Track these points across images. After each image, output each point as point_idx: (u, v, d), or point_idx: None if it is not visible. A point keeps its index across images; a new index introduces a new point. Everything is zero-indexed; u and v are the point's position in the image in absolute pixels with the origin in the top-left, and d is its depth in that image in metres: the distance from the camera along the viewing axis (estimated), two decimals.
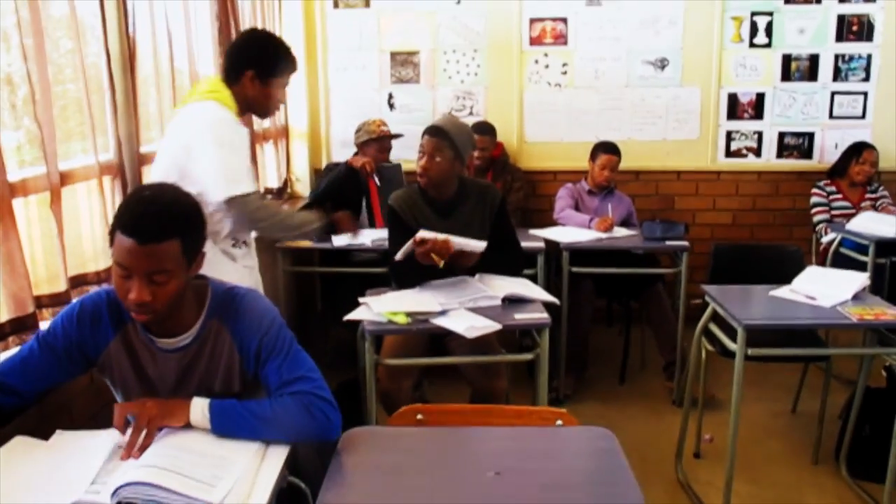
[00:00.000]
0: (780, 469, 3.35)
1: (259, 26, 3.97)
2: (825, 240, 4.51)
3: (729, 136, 5.09)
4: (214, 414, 1.67)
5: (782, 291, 3.00)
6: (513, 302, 2.84)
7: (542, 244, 3.97)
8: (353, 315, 2.72)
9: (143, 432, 1.62)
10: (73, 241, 2.33)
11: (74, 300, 1.84)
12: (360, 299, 2.86)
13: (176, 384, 1.79)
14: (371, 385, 2.69)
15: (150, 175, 2.61)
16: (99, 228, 2.43)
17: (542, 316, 2.70)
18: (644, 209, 4.93)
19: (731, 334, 2.86)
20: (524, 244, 3.45)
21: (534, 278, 3.86)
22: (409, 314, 2.65)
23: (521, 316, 2.70)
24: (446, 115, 3.05)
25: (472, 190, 3.14)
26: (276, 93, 2.73)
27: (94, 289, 2.40)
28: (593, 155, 4.46)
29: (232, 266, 2.67)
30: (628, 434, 3.69)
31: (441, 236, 2.82)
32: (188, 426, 1.68)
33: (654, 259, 4.36)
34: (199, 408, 1.68)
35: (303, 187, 5.04)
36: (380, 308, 2.68)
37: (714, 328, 3.03)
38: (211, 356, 1.78)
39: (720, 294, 2.96)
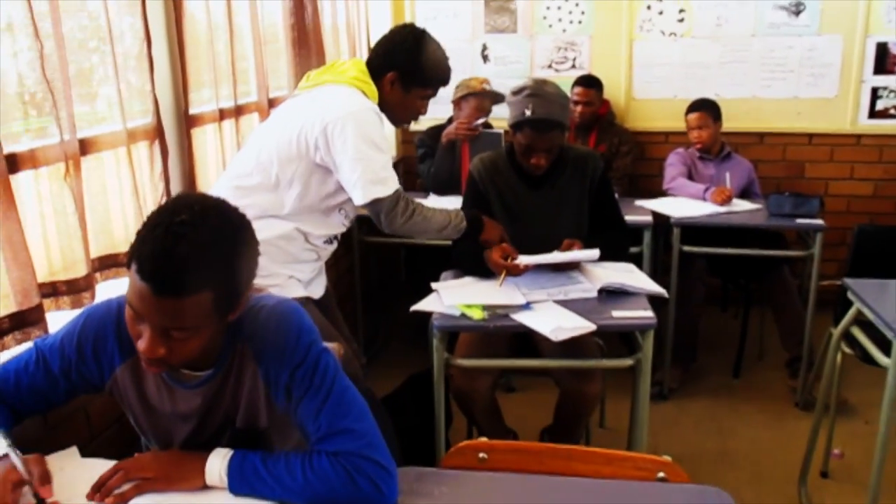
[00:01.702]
0: None
1: None
2: None
3: (874, 94, 4.37)
4: (233, 478, 1.33)
5: None
6: (612, 293, 2.41)
7: (649, 218, 3.47)
8: (421, 305, 2.35)
9: (126, 485, 1.31)
10: (100, 218, 2.03)
11: (83, 309, 1.51)
12: (433, 285, 2.49)
13: (199, 421, 1.45)
14: (440, 390, 2.32)
15: (247, 156, 2.32)
16: (130, 204, 2.13)
17: (647, 315, 2.25)
18: (768, 177, 4.34)
19: (879, 340, 2.35)
20: (629, 218, 2.98)
21: (639, 258, 3.40)
22: (486, 308, 2.25)
23: (621, 314, 2.26)
24: (539, 87, 2.51)
25: (570, 157, 2.69)
26: (416, 103, 2.43)
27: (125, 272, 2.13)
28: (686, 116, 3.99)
29: (313, 264, 2.45)
30: (743, 441, 3.24)
31: (543, 259, 2.43)
32: None
33: (779, 237, 3.79)
34: (217, 470, 1.34)
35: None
36: (452, 299, 2.29)
37: (857, 332, 2.50)
38: (236, 385, 1.42)
39: (867, 292, 2.42)
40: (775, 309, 3.65)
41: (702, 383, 3.72)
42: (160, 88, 2.29)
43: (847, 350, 2.70)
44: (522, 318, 2.22)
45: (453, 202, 3.65)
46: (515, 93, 2.57)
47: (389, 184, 2.26)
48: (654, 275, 3.46)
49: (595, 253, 2.42)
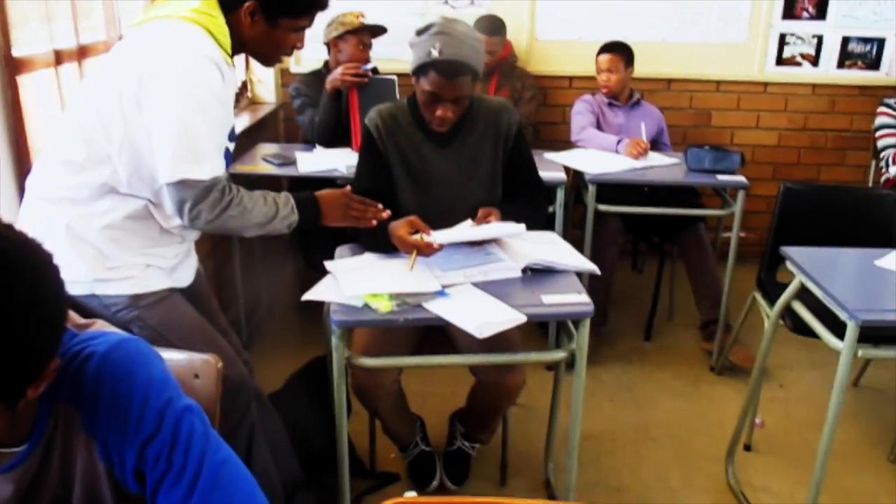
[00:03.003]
0: (848, 468, 2.66)
1: None
2: (894, 170, 3.73)
3: (782, 40, 4.20)
4: None
5: (890, 261, 2.26)
6: (537, 271, 2.10)
7: (562, 175, 3.16)
8: (314, 293, 1.96)
9: None
10: None
11: None
12: (327, 265, 2.10)
13: None
14: (341, 394, 1.95)
15: (69, 123, 1.76)
16: None
17: (582, 300, 1.94)
18: (675, 125, 4.14)
19: (817, 310, 2.16)
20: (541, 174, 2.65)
21: (552, 219, 3.10)
22: (394, 296, 1.89)
23: (553, 299, 1.95)
24: (448, 26, 2.11)
25: (481, 110, 2.33)
26: (287, 38, 1.87)
27: None
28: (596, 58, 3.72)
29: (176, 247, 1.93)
30: (660, 411, 3.04)
31: (461, 236, 2.11)
32: None
33: (693, 192, 3.59)
34: None
35: (265, 91, 4.18)
36: (354, 288, 1.91)
37: (799, 308, 2.29)
38: (64, 463, 1.01)
39: (811, 264, 2.20)
40: (690, 269, 3.46)
41: (613, 348, 3.50)
42: None
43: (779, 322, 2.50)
44: (438, 308, 1.87)
45: (344, 155, 3.27)
46: (420, 32, 2.16)
47: (206, 166, 1.72)
48: (565, 233, 3.20)
49: (520, 228, 2.09)
